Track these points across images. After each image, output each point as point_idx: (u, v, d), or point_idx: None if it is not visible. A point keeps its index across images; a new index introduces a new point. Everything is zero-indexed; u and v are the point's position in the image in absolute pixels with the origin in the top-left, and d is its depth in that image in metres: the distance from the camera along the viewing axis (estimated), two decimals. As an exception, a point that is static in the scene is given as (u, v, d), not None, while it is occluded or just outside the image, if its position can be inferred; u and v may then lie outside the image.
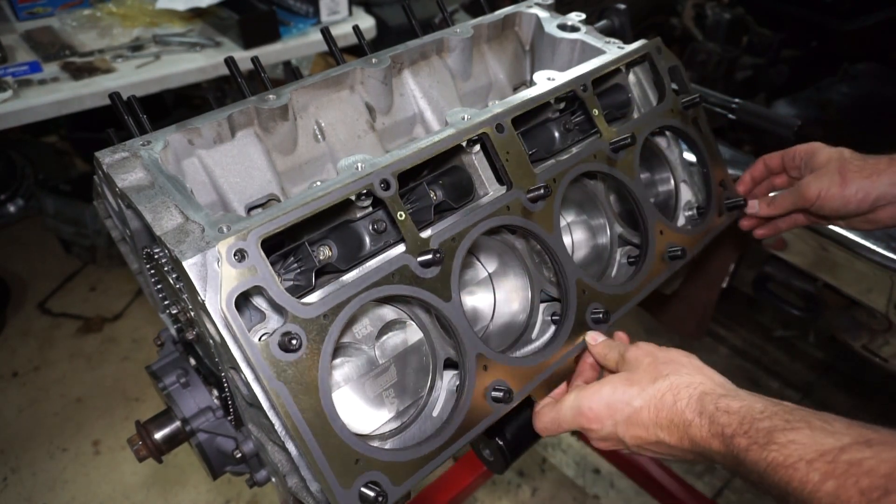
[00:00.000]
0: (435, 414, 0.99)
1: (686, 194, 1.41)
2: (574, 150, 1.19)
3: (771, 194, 1.37)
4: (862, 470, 0.65)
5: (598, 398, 0.93)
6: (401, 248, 0.95)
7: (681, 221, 1.40)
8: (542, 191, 1.05)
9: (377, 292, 0.89)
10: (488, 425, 0.96)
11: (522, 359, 1.03)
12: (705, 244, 1.26)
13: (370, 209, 0.98)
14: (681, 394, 0.86)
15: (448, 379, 1.01)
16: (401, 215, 0.93)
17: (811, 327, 3.14)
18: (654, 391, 0.88)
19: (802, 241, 1.77)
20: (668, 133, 1.40)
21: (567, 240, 1.34)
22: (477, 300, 1.19)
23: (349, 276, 0.92)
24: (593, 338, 1.07)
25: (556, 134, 1.23)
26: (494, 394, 0.96)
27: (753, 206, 1.37)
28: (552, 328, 1.14)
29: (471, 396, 0.94)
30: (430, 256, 0.91)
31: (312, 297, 0.88)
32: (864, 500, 0.63)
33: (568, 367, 1.09)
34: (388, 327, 1.03)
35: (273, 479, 1.02)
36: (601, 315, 1.10)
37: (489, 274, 1.19)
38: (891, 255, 1.60)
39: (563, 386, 1.09)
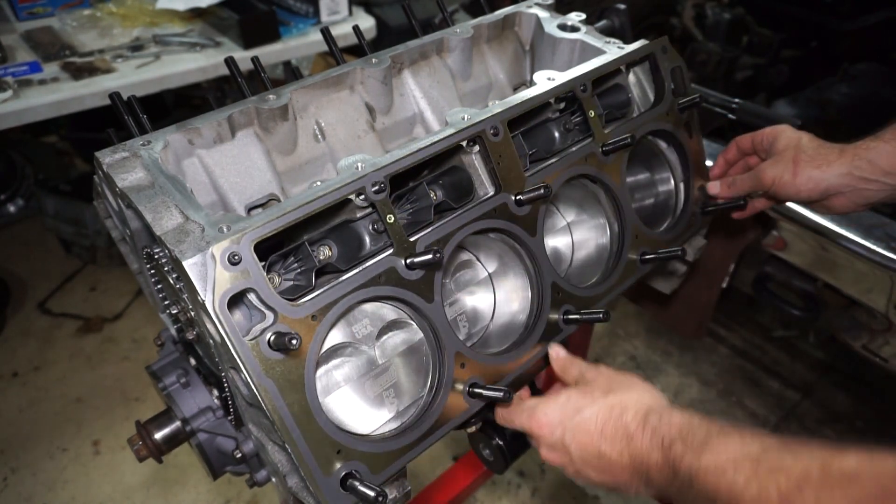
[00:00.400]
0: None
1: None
2: (569, 151, 1.20)
3: (743, 176, 1.38)
4: (781, 471, 0.70)
5: (554, 405, 0.97)
6: (392, 249, 0.96)
7: (681, 221, 1.40)
8: (526, 196, 1.08)
9: (364, 293, 0.91)
10: (464, 419, 1.01)
11: (496, 356, 1.06)
12: (679, 249, 1.27)
13: (370, 209, 0.98)
14: (629, 408, 0.90)
15: (448, 379, 1.01)
16: (390, 218, 0.94)
17: (811, 327, 3.14)
18: (605, 402, 0.93)
19: (802, 241, 1.77)
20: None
21: (567, 239, 1.34)
22: (477, 300, 1.19)
23: (344, 277, 0.92)
24: (556, 352, 1.10)
25: (556, 134, 1.23)
26: (470, 389, 1.00)
27: (714, 187, 1.39)
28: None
29: (448, 391, 0.98)
30: (414, 259, 0.94)
31: (306, 298, 0.89)
32: (781, 499, 0.68)
33: (539, 366, 1.14)
34: (388, 327, 1.03)
35: (273, 479, 1.02)
36: (586, 316, 1.14)
37: (489, 274, 1.20)
38: (891, 255, 1.60)
39: (526, 388, 1.14)
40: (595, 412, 0.92)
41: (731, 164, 1.46)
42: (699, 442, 0.79)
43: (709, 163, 1.83)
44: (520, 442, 1.18)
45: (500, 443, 1.15)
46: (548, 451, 0.99)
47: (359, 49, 1.27)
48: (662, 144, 1.42)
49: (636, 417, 0.88)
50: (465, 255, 1.20)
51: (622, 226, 1.26)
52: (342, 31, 2.10)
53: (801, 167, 1.24)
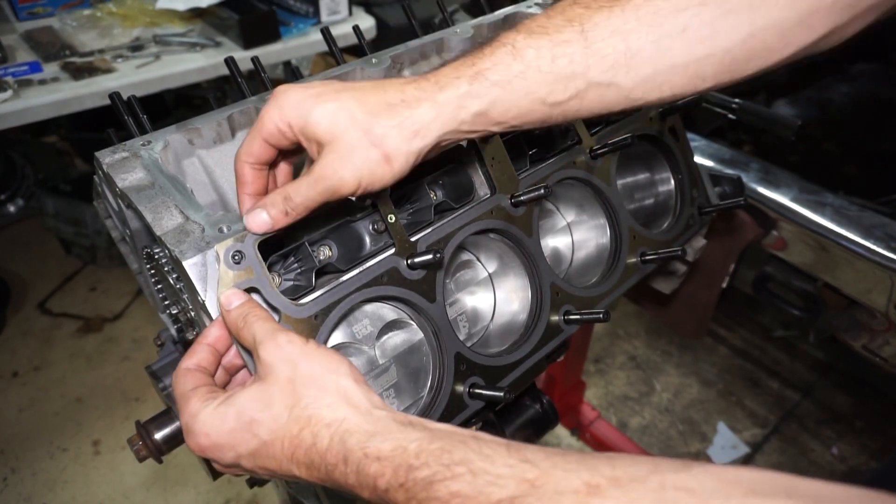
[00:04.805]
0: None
1: (686, 194, 1.42)
2: (562, 154, 1.21)
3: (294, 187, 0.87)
4: None
5: (220, 419, 0.72)
6: (393, 249, 0.96)
7: (681, 221, 1.40)
8: (525, 196, 1.08)
9: (367, 293, 0.91)
10: (463, 420, 1.00)
11: (497, 357, 1.06)
12: (679, 249, 1.26)
13: (370, 209, 0.98)
14: (321, 434, 0.67)
15: (448, 379, 1.01)
16: (391, 218, 0.94)
17: (811, 327, 3.14)
18: (289, 427, 0.69)
19: (802, 241, 1.77)
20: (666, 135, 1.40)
21: (567, 239, 1.34)
22: (477, 300, 1.19)
23: (346, 277, 0.92)
24: (228, 300, 0.78)
25: (555, 134, 1.23)
26: (470, 390, 0.99)
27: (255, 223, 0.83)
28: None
29: (448, 393, 0.98)
30: (415, 259, 0.94)
31: (309, 298, 0.89)
32: None
33: (540, 366, 1.13)
34: (388, 327, 1.03)
35: (272, 479, 1.02)
36: (576, 317, 1.13)
37: (489, 274, 1.20)
38: (891, 255, 1.60)
39: (197, 372, 0.80)
40: (278, 437, 0.69)
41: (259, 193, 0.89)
42: (422, 489, 0.60)
43: (707, 162, 1.84)
44: (520, 442, 1.17)
45: (501, 442, 1.15)
46: (223, 468, 0.78)
47: (359, 49, 1.26)
48: (656, 148, 1.42)
49: (332, 446, 0.66)
50: (466, 256, 1.20)
51: (616, 226, 1.26)
52: (342, 31, 2.10)
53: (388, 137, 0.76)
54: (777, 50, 0.78)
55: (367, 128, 0.73)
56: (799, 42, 0.77)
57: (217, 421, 0.72)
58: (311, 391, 0.70)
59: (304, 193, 0.77)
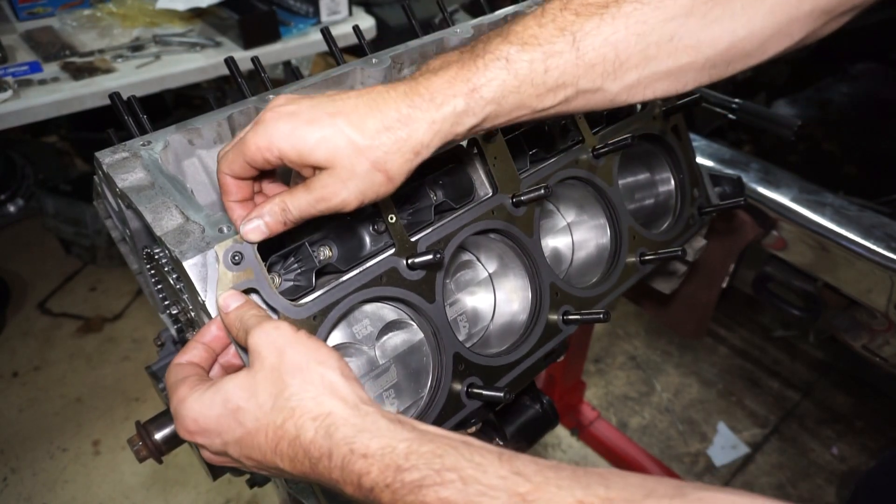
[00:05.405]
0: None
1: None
2: (563, 154, 1.21)
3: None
4: None
5: (208, 405, 0.72)
6: (393, 249, 0.96)
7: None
8: (526, 196, 1.08)
9: (366, 293, 0.91)
10: (461, 419, 1.01)
11: (495, 357, 1.06)
12: (678, 249, 1.27)
13: (370, 209, 0.98)
14: (305, 426, 0.66)
15: (448, 379, 1.01)
16: (391, 218, 0.94)
17: (811, 327, 3.14)
18: (274, 417, 0.68)
19: (802, 241, 1.77)
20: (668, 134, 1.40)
21: (567, 239, 1.34)
22: (477, 300, 1.19)
23: (346, 277, 0.92)
24: (226, 302, 0.79)
25: (556, 133, 1.23)
26: (468, 390, 1.00)
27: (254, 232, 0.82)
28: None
29: (446, 392, 0.98)
30: (415, 260, 0.94)
31: (308, 298, 0.89)
32: None
33: (539, 366, 1.13)
34: (388, 328, 1.03)
35: (272, 480, 1.02)
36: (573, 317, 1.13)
37: (489, 274, 1.20)
38: (891, 255, 1.60)
39: (188, 366, 0.80)
40: (262, 427, 0.68)
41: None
42: (409, 491, 0.59)
43: (707, 162, 1.84)
44: (521, 443, 1.18)
45: (500, 443, 1.15)
46: (211, 457, 0.77)
47: (359, 49, 1.26)
48: (657, 147, 1.42)
49: (316, 440, 0.65)
50: (466, 256, 1.20)
51: (616, 227, 1.26)
52: (342, 31, 2.10)
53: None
54: (755, 56, 0.81)
55: (369, 154, 0.73)
56: (777, 48, 0.81)
57: (205, 407, 0.72)
58: (296, 381, 0.69)
59: (303, 209, 0.78)
